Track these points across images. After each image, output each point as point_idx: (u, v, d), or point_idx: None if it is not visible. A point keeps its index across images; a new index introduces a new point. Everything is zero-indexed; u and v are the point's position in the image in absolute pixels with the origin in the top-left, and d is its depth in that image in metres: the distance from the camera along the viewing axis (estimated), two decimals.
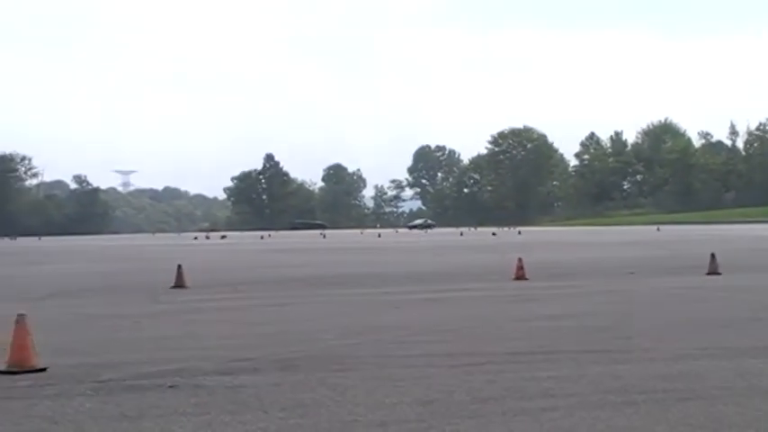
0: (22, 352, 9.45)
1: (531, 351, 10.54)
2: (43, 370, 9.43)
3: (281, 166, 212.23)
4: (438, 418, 7.13)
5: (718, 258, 23.77)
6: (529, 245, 52.65)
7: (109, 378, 9.07)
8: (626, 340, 11.35)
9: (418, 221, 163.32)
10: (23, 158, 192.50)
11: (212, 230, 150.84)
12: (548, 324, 13.33)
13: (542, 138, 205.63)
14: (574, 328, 12.81)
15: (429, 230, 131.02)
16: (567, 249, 45.64)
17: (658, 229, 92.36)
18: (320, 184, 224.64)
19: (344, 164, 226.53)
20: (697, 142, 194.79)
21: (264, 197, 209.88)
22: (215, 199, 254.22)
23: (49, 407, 7.78)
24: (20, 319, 9.51)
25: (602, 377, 8.75)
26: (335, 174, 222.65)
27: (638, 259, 32.69)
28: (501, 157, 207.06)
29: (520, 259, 23.29)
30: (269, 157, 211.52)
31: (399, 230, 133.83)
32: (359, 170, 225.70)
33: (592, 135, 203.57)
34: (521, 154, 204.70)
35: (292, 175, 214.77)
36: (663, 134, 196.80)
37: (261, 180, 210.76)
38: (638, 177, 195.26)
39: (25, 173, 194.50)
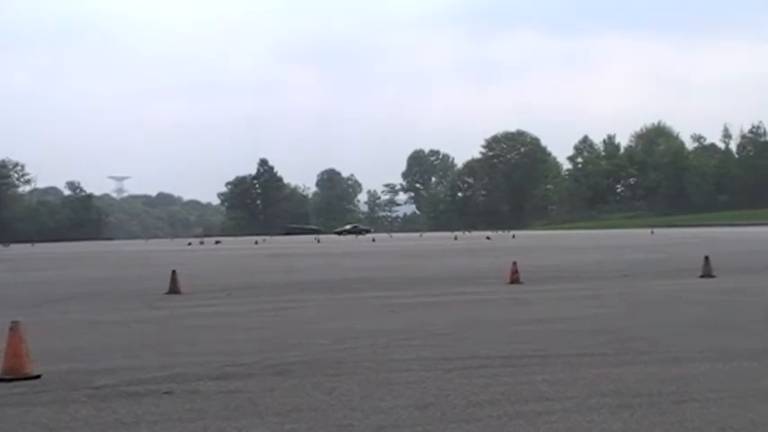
0: (17, 359, 9.42)
1: (527, 354, 10.54)
2: (38, 377, 9.40)
3: (275, 171, 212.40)
4: (434, 422, 7.13)
5: (712, 261, 23.81)
6: (523, 248, 52.67)
7: (104, 384, 9.05)
8: (621, 343, 11.35)
9: (347, 227, 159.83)
10: (16, 165, 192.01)
11: (206, 236, 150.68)
12: (543, 327, 13.33)
13: (536, 142, 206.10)
14: (569, 331, 12.81)
15: (360, 236, 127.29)
16: (561, 253, 45.67)
17: (652, 232, 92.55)
18: (314, 188, 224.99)
19: (338, 168, 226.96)
20: (690, 145, 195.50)
21: (258, 202, 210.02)
22: (209, 204, 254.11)
23: (43, 414, 7.75)
24: (14, 327, 9.48)
25: (598, 380, 8.75)
26: (329, 178, 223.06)
27: (632, 262, 32.74)
28: (495, 161, 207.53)
29: (514, 263, 23.29)
30: (263, 162, 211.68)
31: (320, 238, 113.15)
32: (353, 175, 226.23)
33: (585, 139, 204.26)
34: (515, 158, 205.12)
35: (286, 180, 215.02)
36: (656, 137, 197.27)
37: (255, 185, 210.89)
38: (632, 180, 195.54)
39: (18, 179, 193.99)
